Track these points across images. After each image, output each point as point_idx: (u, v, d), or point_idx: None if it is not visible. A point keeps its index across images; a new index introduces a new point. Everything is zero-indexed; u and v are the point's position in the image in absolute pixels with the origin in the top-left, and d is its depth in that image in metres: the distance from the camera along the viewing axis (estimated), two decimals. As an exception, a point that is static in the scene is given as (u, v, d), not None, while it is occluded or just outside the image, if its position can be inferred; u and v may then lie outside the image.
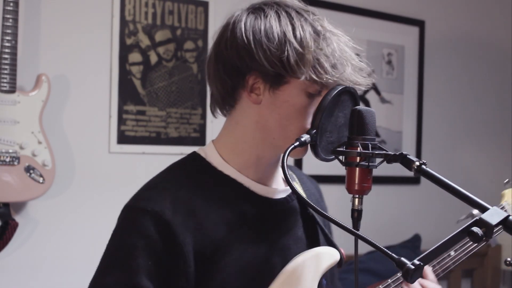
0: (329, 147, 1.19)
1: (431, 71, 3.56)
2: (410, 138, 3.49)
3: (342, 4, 3.18)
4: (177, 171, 1.28)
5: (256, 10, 1.25)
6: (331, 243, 1.39)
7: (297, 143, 1.15)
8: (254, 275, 1.23)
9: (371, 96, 3.33)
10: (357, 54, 1.29)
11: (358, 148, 1.11)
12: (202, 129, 2.77)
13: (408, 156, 1.08)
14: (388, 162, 1.11)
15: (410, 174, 1.12)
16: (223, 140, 1.30)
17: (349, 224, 1.05)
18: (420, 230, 3.39)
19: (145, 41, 2.64)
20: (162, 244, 1.16)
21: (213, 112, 1.34)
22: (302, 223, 1.35)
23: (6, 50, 2.22)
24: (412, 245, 3.27)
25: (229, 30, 1.24)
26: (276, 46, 1.19)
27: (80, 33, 2.51)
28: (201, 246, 1.18)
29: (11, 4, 2.21)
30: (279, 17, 1.22)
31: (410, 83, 3.49)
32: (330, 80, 1.19)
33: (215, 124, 2.80)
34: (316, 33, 1.22)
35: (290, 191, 1.33)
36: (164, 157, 2.68)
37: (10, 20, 2.22)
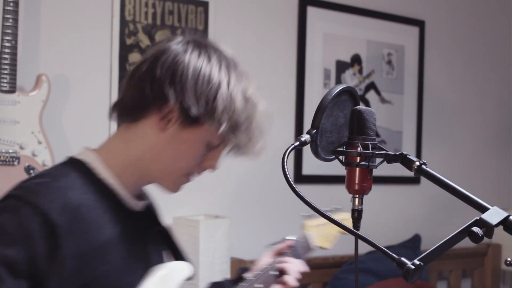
0: (329, 147, 1.19)
1: (431, 71, 3.56)
2: (410, 138, 3.49)
3: (342, 4, 3.18)
4: (63, 173, 1.28)
5: (201, 48, 1.30)
6: (182, 256, 1.44)
7: (297, 143, 1.15)
8: (125, 285, 1.27)
9: (371, 96, 3.33)
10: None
11: (358, 148, 1.11)
12: (202, 129, 2.77)
13: (408, 156, 1.08)
14: (388, 162, 1.11)
15: (410, 174, 1.12)
16: (112, 151, 1.33)
17: (349, 224, 1.05)
18: (420, 230, 3.39)
19: (145, 41, 2.64)
20: (42, 244, 1.16)
21: (112, 116, 1.36)
22: (155, 236, 1.41)
23: (6, 50, 2.22)
24: (412, 245, 3.27)
25: (171, 55, 1.28)
26: (209, 91, 1.25)
27: (80, 33, 2.51)
28: (83, 252, 1.20)
29: (11, 4, 2.21)
30: (220, 65, 1.28)
31: (410, 83, 3.49)
32: (236, 143, 1.28)
33: (215, 124, 2.80)
34: (246, 97, 1.29)
35: (147, 205, 1.40)
36: (164, 157, 2.68)
37: (10, 20, 2.22)
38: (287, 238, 1.64)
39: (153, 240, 1.41)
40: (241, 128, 1.27)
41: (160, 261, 1.41)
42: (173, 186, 1.37)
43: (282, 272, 1.57)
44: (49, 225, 1.17)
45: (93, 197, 1.26)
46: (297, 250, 1.63)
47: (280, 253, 1.61)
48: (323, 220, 1.76)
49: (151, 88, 1.27)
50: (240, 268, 1.62)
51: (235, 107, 1.26)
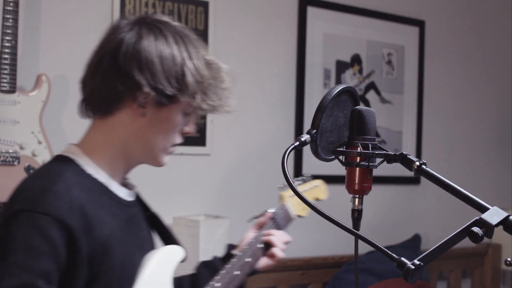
0: (329, 147, 1.19)
1: (431, 71, 3.56)
2: (410, 138, 3.49)
3: (342, 4, 3.18)
4: (57, 173, 1.30)
5: (154, 29, 1.34)
6: (172, 239, 1.50)
7: (297, 143, 1.15)
8: (129, 274, 1.33)
9: (371, 96, 3.33)
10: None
11: (358, 148, 1.11)
12: (202, 129, 2.77)
13: (408, 156, 1.08)
14: (388, 162, 1.11)
15: (410, 174, 1.12)
16: (94, 145, 1.37)
17: (349, 224, 1.05)
18: (420, 230, 3.39)
19: (145, 41, 2.63)
20: (65, 250, 1.21)
21: (82, 112, 1.40)
22: (145, 222, 1.48)
23: (6, 50, 2.22)
24: (412, 245, 3.27)
25: (130, 45, 1.32)
26: (176, 69, 1.31)
27: (80, 33, 2.51)
28: (91, 249, 1.25)
29: (11, 4, 2.21)
30: (176, 41, 1.34)
31: (410, 83, 3.49)
32: (211, 107, 1.36)
33: (215, 124, 2.80)
34: (209, 63, 1.36)
35: (136, 194, 1.46)
36: (164, 157, 2.68)
37: (10, 20, 2.22)
38: (267, 211, 1.70)
39: (145, 227, 1.47)
40: (211, 91, 1.34)
41: (153, 246, 1.47)
42: (162, 160, 1.42)
43: (268, 245, 1.62)
44: (67, 230, 1.21)
45: (88, 194, 1.29)
46: (278, 221, 1.69)
47: (262, 226, 1.67)
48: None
49: (121, 81, 1.31)
50: (227, 245, 1.66)
51: (202, 75, 1.33)
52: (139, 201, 1.49)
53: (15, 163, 2.25)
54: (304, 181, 1.88)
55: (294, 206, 1.79)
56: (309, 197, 1.87)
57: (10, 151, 2.25)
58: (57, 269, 1.21)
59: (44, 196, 1.23)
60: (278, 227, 1.68)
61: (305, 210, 1.84)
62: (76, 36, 2.50)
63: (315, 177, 3.12)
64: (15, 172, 2.25)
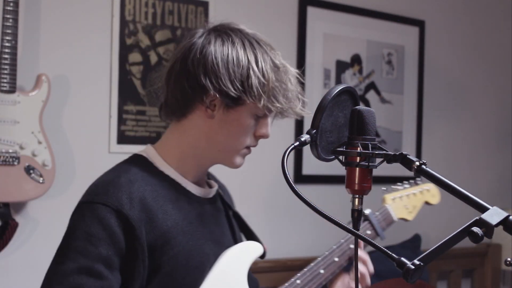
0: (329, 147, 1.19)
1: (431, 71, 3.56)
2: (410, 138, 3.49)
3: (342, 4, 3.18)
4: (124, 169, 1.40)
5: (222, 35, 1.40)
6: (253, 237, 1.56)
7: (297, 143, 1.15)
8: (196, 264, 1.38)
9: (371, 96, 3.33)
10: (301, 83, 1.49)
11: (358, 148, 1.11)
12: (202, 129, 2.77)
13: (408, 156, 1.08)
14: (388, 162, 1.10)
15: (410, 174, 1.12)
16: (167, 144, 1.45)
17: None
18: (420, 230, 3.38)
19: (145, 41, 2.64)
20: (122, 237, 1.29)
21: (162, 116, 1.48)
22: (226, 220, 1.54)
23: (6, 50, 2.22)
24: (412, 245, 3.27)
25: (198, 50, 1.38)
26: (241, 72, 1.35)
27: (80, 33, 2.51)
28: (152, 238, 1.32)
29: (11, 4, 2.21)
30: (244, 45, 1.39)
31: (410, 83, 3.49)
32: (279, 109, 1.38)
33: (215, 124, 2.80)
34: (276, 66, 1.40)
35: (215, 191, 1.53)
36: (164, 157, 2.68)
37: (10, 20, 2.22)
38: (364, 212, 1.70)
39: (225, 223, 1.52)
40: (279, 94, 1.38)
41: (232, 241, 1.52)
42: (235, 161, 1.48)
43: None
44: (124, 219, 1.29)
45: (154, 188, 1.37)
46: (374, 222, 1.70)
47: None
48: (403, 192, 1.77)
49: (189, 85, 1.38)
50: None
51: (268, 78, 1.36)
52: (220, 199, 1.54)
53: (15, 163, 2.25)
54: (415, 184, 1.85)
55: (398, 209, 1.77)
56: (418, 201, 1.84)
57: (10, 151, 2.25)
58: (116, 255, 1.28)
59: (106, 188, 1.33)
60: (373, 228, 1.71)
61: (411, 214, 1.82)
62: (76, 36, 2.50)
63: (315, 177, 3.13)
64: (15, 172, 2.25)
